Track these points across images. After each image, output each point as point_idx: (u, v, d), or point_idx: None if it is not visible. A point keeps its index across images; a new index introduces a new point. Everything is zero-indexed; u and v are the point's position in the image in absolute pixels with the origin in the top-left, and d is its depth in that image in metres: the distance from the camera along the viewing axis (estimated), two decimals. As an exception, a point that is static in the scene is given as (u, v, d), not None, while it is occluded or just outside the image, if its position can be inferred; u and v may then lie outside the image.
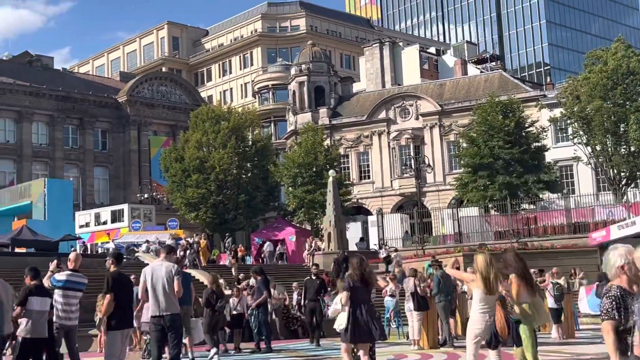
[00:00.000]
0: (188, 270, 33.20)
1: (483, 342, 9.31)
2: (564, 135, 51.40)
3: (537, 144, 44.93)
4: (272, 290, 20.24)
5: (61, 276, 10.65)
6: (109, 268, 10.11)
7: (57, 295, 10.54)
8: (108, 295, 9.73)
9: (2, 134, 63.41)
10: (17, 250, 36.05)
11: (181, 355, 11.43)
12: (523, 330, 9.50)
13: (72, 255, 11.03)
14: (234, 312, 18.52)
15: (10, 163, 63.72)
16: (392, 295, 21.16)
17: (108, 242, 48.72)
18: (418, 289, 17.31)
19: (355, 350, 10.36)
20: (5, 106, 63.15)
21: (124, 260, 36.05)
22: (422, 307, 17.19)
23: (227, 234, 47.37)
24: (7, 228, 44.80)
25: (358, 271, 9.98)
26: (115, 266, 10.05)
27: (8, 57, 77.08)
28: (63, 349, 10.94)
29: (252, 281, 20.97)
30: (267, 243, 44.95)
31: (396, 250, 40.30)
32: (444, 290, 16.88)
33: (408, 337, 19.92)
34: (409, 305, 17.60)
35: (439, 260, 20.52)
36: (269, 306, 19.29)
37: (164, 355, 10.58)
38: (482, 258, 9.15)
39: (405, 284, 18.11)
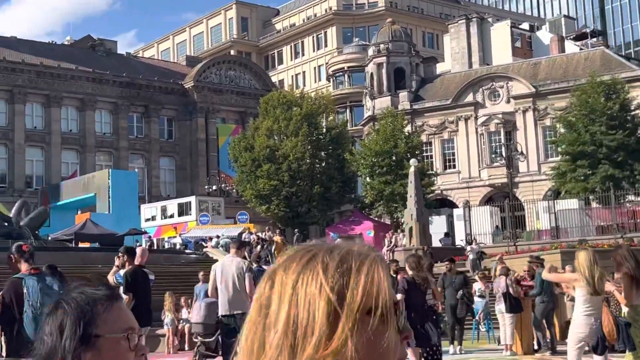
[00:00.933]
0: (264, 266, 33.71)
1: (587, 348, 9.10)
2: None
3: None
4: None
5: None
6: (124, 264, 10.18)
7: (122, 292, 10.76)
8: (126, 296, 9.77)
9: (64, 123, 65.37)
10: (80, 244, 37.13)
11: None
12: (635, 334, 9.19)
13: (139, 251, 11.34)
14: None
15: (73, 154, 65.70)
16: (481, 296, 20.87)
17: (175, 237, 49.76)
18: (510, 289, 16.99)
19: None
20: (67, 93, 65.08)
21: (195, 255, 36.81)
22: (515, 309, 16.87)
23: (296, 230, 47.66)
24: (70, 222, 46.27)
25: (415, 272, 10.28)
26: (130, 262, 10.12)
27: (70, 42, 79.50)
28: None
29: None
30: (338, 240, 44.98)
31: (476, 242, 39.84)
32: (547, 291, 16.58)
33: (499, 342, 19.65)
34: (500, 306, 17.30)
35: (540, 257, 20.04)
36: None
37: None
38: (585, 255, 8.93)
39: (497, 284, 17.81)
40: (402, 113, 54.85)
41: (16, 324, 6.95)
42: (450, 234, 46.31)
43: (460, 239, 44.67)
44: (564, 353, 17.00)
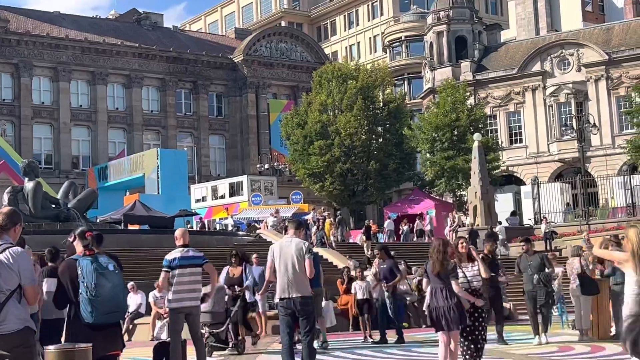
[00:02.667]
0: (316, 249, 33.81)
1: None
2: None
3: None
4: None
5: (172, 255, 11.19)
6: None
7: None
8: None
9: (110, 101, 66.26)
10: (130, 227, 37.65)
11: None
12: None
13: (177, 232, 11.52)
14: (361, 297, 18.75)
15: (120, 132, 66.64)
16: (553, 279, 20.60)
17: (227, 218, 50.21)
18: (585, 269, 16.72)
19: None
20: (112, 70, 65.92)
21: (249, 237, 37.03)
22: (590, 290, 16.60)
23: (338, 211, 47.34)
24: (118, 203, 46.99)
25: (436, 259, 10.58)
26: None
27: (115, 16, 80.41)
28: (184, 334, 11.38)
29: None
30: (388, 221, 44.90)
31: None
32: (619, 271, 16.17)
33: (574, 327, 19.39)
34: (574, 289, 17.05)
35: (618, 236, 19.32)
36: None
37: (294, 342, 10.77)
38: (635, 232, 8.56)
39: (569, 264, 17.56)
40: (464, 84, 54.23)
41: (73, 308, 7.07)
42: (517, 212, 45.85)
43: (528, 218, 44.23)
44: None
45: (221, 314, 14.83)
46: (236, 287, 16.09)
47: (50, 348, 6.11)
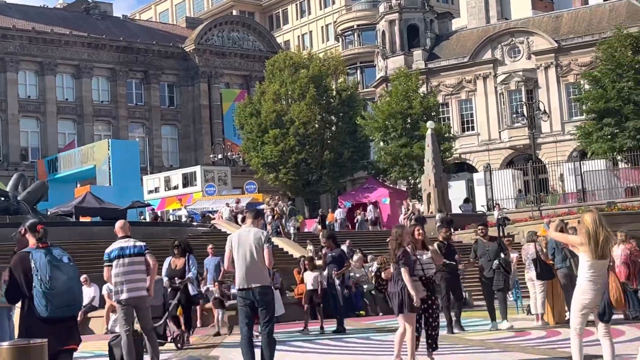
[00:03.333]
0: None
1: (591, 317, 9.03)
2: None
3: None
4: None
5: (111, 247, 11.00)
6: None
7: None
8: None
9: (59, 91, 65.13)
10: (81, 219, 37.12)
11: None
12: None
13: (117, 225, 11.28)
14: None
15: (69, 123, 65.58)
16: (508, 264, 20.75)
17: (180, 209, 49.83)
18: (540, 254, 16.82)
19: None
20: (61, 60, 64.81)
21: (203, 228, 36.74)
22: (545, 275, 16.70)
23: (289, 202, 47.08)
24: (69, 195, 46.31)
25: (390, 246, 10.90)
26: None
27: (63, 5, 79.04)
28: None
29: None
30: (338, 210, 44.94)
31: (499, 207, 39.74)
32: (560, 255, 16.37)
33: (530, 312, 19.57)
34: (530, 274, 17.18)
35: (564, 220, 19.64)
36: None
37: (255, 334, 10.63)
38: (591, 217, 8.82)
39: (525, 250, 17.68)
40: (417, 72, 54.41)
41: (26, 301, 6.85)
42: (470, 199, 46.23)
43: (481, 205, 44.58)
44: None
45: (159, 307, 14.20)
46: (176, 279, 15.42)
47: (4, 344, 5.88)
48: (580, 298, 8.93)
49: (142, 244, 11.18)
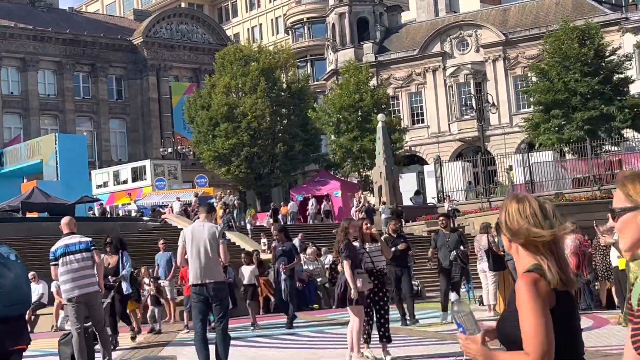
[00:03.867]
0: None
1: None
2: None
3: (619, 75, 43.79)
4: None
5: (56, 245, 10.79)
6: None
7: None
8: None
9: (5, 85, 63.89)
10: (28, 214, 36.45)
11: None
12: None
13: (63, 221, 11.09)
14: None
15: (15, 118, 64.38)
16: (460, 255, 20.88)
17: (129, 204, 49.19)
18: (493, 246, 16.92)
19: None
20: (6, 53, 63.54)
21: (153, 222, 36.35)
22: (497, 266, 16.82)
23: (232, 197, 46.05)
24: (16, 190, 45.40)
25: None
26: None
27: (7, -2, 77.40)
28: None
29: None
30: (291, 203, 44.86)
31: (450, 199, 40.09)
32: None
33: (482, 303, 19.69)
34: (482, 265, 17.27)
35: None
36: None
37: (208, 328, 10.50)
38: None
39: (477, 241, 17.76)
40: (367, 65, 54.45)
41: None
42: (421, 191, 46.48)
43: (431, 197, 44.84)
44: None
45: None
46: (110, 277, 14.71)
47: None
48: None
49: (88, 239, 10.93)
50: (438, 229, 17.09)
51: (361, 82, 49.72)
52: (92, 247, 10.85)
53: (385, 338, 11.24)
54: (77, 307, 10.65)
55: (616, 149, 42.82)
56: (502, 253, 16.96)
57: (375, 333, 11.34)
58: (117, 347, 13.84)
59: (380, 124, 41.48)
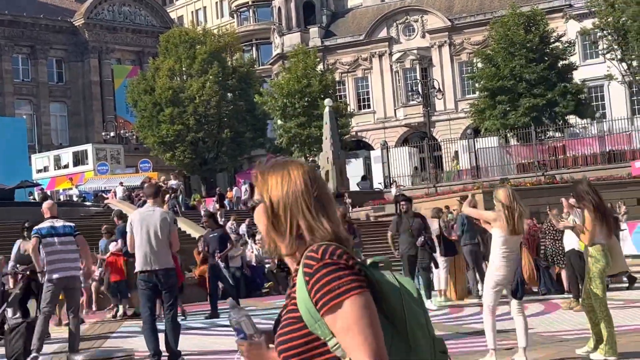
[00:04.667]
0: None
1: (504, 292, 8.99)
2: (594, 50, 50.68)
3: (564, 61, 44.20)
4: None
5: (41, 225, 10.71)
6: None
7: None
8: None
9: (-60, 67, 62.03)
10: (-34, 200, 35.36)
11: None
12: (594, 276, 9.03)
13: (45, 205, 11.07)
14: None
15: (-49, 100, 62.57)
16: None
17: (71, 189, 48.29)
18: (444, 231, 16.83)
19: None
20: (-58, 34, 61.67)
21: (96, 207, 35.62)
22: (449, 252, 16.74)
23: (173, 176, 44.83)
24: (-48, 175, 44.10)
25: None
26: None
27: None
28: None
29: None
30: (235, 189, 44.37)
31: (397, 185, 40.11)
32: (470, 231, 16.36)
33: (432, 288, 19.63)
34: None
35: (466, 196, 19.33)
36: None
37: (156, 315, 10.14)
38: (505, 192, 8.70)
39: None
40: (315, 50, 54.06)
41: None
42: (367, 177, 46.41)
43: (378, 182, 44.79)
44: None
45: None
46: (18, 266, 13.99)
47: None
48: (494, 275, 8.80)
49: (72, 224, 10.95)
50: (399, 213, 16.23)
51: (309, 67, 49.34)
52: (77, 233, 10.80)
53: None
54: (55, 289, 10.47)
55: (560, 135, 43.25)
56: (455, 238, 16.89)
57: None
58: (51, 339, 13.24)
59: (327, 109, 41.23)
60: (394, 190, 38.97)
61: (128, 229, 9.82)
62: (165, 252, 9.66)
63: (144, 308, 9.80)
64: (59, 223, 10.75)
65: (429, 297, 15.16)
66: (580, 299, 14.01)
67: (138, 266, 9.68)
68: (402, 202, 16.06)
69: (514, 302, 8.95)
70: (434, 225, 17.04)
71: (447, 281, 16.88)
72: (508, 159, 42.31)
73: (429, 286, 15.53)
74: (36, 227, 10.70)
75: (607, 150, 39.48)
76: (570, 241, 14.12)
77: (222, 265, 16.55)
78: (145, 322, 9.76)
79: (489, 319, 8.84)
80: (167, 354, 9.81)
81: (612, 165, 37.77)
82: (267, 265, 22.05)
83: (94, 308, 19.83)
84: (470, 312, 14.29)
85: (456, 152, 45.54)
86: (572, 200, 14.66)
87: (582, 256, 13.92)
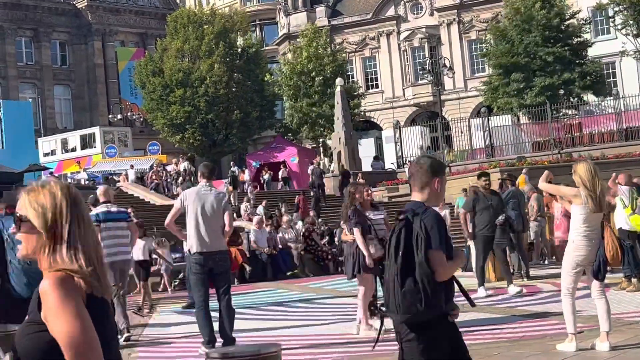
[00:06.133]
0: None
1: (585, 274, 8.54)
2: (606, 27, 50.01)
3: (578, 39, 43.51)
4: None
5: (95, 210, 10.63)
6: None
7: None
8: None
9: (-57, 51, 61.32)
10: (-25, 184, 34.86)
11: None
12: None
13: (100, 190, 11.28)
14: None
15: (-45, 85, 61.92)
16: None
17: (79, 172, 47.84)
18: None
19: None
20: (-56, 17, 60.90)
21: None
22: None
23: (186, 159, 43.72)
24: (-41, 159, 43.60)
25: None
26: None
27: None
28: None
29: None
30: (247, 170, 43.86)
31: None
32: (516, 209, 15.80)
33: (464, 269, 19.10)
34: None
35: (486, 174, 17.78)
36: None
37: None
38: (585, 167, 8.26)
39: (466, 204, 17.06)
40: (326, 30, 53.33)
41: (-1, 280, 5.56)
42: (379, 157, 45.83)
43: (390, 162, 44.24)
44: (540, 277, 16.57)
45: None
46: None
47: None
48: (574, 255, 8.37)
49: (125, 209, 11.21)
50: (475, 189, 14.86)
51: (321, 46, 48.65)
52: (130, 219, 11.09)
53: (397, 308, 10.47)
54: (111, 273, 10.25)
55: (575, 112, 42.67)
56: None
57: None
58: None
59: (338, 89, 40.68)
60: (407, 171, 38.43)
61: (176, 204, 9.35)
62: (220, 234, 9.17)
63: (198, 293, 9.29)
64: (113, 208, 10.75)
65: (510, 282, 14.01)
66: (634, 279, 13.56)
67: (193, 247, 9.15)
68: (482, 178, 14.57)
69: (595, 284, 8.47)
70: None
71: (485, 262, 16.32)
72: (523, 137, 41.77)
73: (508, 271, 14.42)
74: (92, 212, 10.25)
75: (624, 127, 38.94)
76: (620, 220, 13.59)
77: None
78: (199, 308, 9.27)
79: (568, 301, 8.41)
80: (221, 340, 9.31)
81: (630, 143, 37.30)
82: (293, 247, 21.51)
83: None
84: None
85: (462, 133, 44.82)
86: (620, 177, 14.19)
87: (630, 235, 13.48)
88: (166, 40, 51.55)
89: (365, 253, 9.99)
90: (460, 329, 9.08)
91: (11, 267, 5.43)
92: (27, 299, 5.43)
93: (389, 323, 10.18)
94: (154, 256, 17.40)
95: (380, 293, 10.63)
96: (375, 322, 10.35)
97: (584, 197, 8.16)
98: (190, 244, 9.22)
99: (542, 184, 9.63)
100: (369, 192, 11.34)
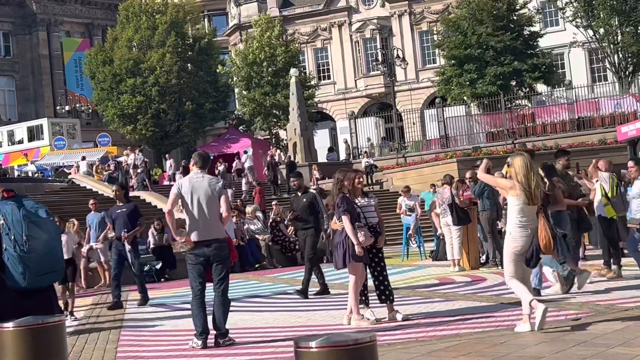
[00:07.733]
0: (137, 192, 31.89)
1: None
2: (555, 18, 50.79)
3: (529, 29, 44.02)
4: None
5: None
6: None
7: None
8: None
9: None
10: None
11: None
12: None
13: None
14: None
15: None
16: (411, 210, 20.29)
17: (27, 164, 46.79)
18: (456, 199, 16.30)
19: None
20: None
21: (59, 183, 34.47)
22: (462, 220, 16.21)
23: (138, 151, 43.11)
24: None
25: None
26: None
27: None
28: None
29: None
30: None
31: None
32: (490, 198, 15.85)
33: (434, 257, 19.24)
34: (445, 219, 16.66)
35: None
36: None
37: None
38: (522, 161, 8.50)
39: (440, 194, 17.13)
40: (279, 19, 53.02)
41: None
42: (334, 148, 45.85)
43: (346, 153, 44.28)
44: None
45: None
46: None
47: (7, 326, 4.38)
48: (511, 246, 8.61)
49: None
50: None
51: (274, 36, 48.34)
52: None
53: (387, 297, 10.37)
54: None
55: (527, 103, 43.22)
56: (471, 204, 16.39)
57: (374, 293, 10.48)
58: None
59: (293, 79, 40.52)
60: (363, 161, 38.50)
61: (173, 193, 9.09)
62: (217, 222, 8.96)
63: (195, 283, 9.06)
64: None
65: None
66: (613, 266, 13.70)
67: (194, 236, 8.92)
68: (564, 157, 13.49)
69: (527, 270, 8.76)
70: (446, 193, 16.55)
71: (460, 250, 16.41)
72: (476, 127, 42.15)
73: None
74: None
75: (577, 117, 39.57)
76: (598, 207, 13.68)
77: (127, 247, 14.17)
78: (195, 298, 9.04)
79: (515, 283, 8.56)
80: (214, 331, 9.11)
81: (582, 132, 37.97)
82: (260, 238, 21.33)
83: (83, 285, 19.04)
84: (495, 282, 13.79)
85: (414, 124, 45.04)
86: (600, 164, 14.29)
87: (611, 223, 13.62)
88: (117, 30, 50.68)
89: (354, 241, 9.83)
90: (454, 318, 9.11)
91: (6, 254, 5.11)
92: (23, 289, 5.14)
93: (379, 313, 10.20)
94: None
95: (370, 282, 10.59)
96: (367, 312, 10.26)
97: (519, 189, 8.43)
98: (189, 233, 9.02)
99: (481, 174, 9.80)
100: (361, 179, 11.14)
